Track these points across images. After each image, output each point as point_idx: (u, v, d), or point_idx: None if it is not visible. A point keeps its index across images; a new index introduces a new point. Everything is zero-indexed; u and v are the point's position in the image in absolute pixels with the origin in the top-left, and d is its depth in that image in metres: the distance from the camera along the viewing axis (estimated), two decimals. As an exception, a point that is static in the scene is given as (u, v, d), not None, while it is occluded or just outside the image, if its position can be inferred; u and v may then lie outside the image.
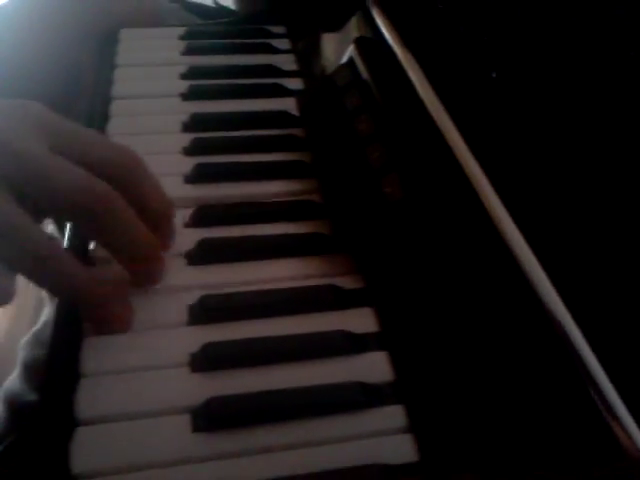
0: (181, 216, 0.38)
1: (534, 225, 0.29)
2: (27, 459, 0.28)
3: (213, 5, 0.63)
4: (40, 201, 0.30)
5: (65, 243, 0.36)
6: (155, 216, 0.33)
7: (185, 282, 0.35)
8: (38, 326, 0.59)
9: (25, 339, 0.58)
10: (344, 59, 0.44)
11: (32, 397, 0.51)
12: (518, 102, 0.35)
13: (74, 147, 0.31)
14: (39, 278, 0.30)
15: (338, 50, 0.46)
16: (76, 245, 0.35)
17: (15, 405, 0.52)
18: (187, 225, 0.38)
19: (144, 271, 0.33)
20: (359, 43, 0.43)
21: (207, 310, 0.33)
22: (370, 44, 0.43)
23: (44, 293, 0.62)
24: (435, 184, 0.33)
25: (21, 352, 0.57)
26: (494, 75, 0.36)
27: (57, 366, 0.31)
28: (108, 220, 0.30)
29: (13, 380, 0.55)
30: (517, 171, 0.32)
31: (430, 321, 0.31)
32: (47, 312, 0.59)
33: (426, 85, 0.37)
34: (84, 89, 0.50)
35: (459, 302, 0.31)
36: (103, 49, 0.53)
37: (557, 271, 0.28)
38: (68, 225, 0.36)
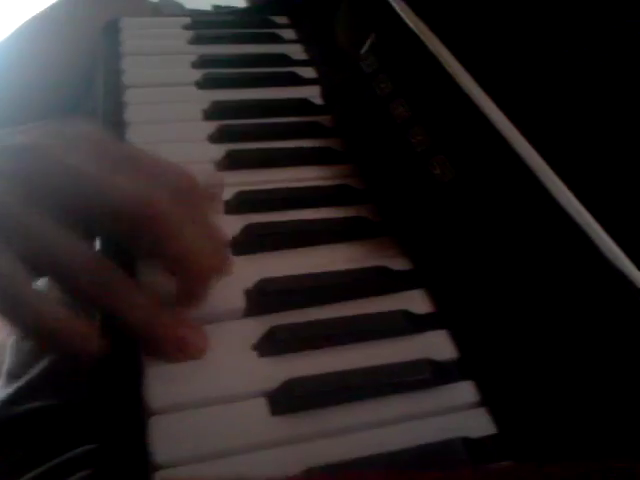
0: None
1: (592, 189, 0.30)
2: (105, 451, 0.27)
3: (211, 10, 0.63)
4: (94, 214, 0.29)
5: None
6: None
7: (236, 270, 0.34)
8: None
9: (8, 347, 0.56)
10: (366, 46, 0.44)
11: (15, 408, 0.49)
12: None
13: (134, 170, 0.30)
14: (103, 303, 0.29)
15: (353, 37, 0.46)
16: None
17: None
18: (228, 212, 0.37)
19: (201, 288, 0.31)
20: (380, 28, 0.43)
21: (265, 295, 0.32)
22: (391, 27, 0.43)
23: None
24: (486, 162, 0.34)
25: (5, 359, 0.55)
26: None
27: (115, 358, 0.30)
28: (170, 230, 0.29)
29: None
30: (560, 137, 0.33)
31: (488, 299, 0.32)
32: None
33: (454, 61, 0.37)
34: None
35: (518, 279, 0.31)
36: (105, 38, 0.52)
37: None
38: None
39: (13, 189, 0.28)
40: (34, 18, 0.61)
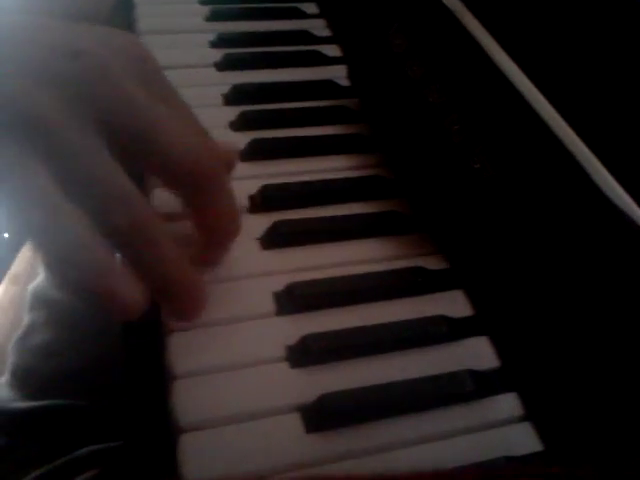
0: (244, 194, 0.35)
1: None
2: (133, 470, 0.26)
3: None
4: (142, 155, 0.27)
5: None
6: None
7: (264, 268, 0.32)
8: (22, 330, 0.55)
9: (11, 345, 0.54)
10: (396, 24, 0.41)
11: (20, 405, 0.48)
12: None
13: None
14: (129, 252, 0.26)
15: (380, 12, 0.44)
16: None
17: (3, 413, 0.49)
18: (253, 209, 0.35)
19: (224, 247, 0.32)
20: (410, 5, 0.41)
21: (296, 298, 0.31)
22: (422, 4, 0.41)
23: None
24: (531, 154, 0.31)
25: (9, 358, 0.54)
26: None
27: (141, 370, 0.29)
28: (210, 194, 0.29)
29: (1, 387, 0.52)
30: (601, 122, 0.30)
31: (531, 302, 0.30)
32: (30, 317, 0.55)
33: (496, 45, 0.35)
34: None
35: (566, 280, 0.29)
36: (118, 14, 0.49)
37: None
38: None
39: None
40: None
